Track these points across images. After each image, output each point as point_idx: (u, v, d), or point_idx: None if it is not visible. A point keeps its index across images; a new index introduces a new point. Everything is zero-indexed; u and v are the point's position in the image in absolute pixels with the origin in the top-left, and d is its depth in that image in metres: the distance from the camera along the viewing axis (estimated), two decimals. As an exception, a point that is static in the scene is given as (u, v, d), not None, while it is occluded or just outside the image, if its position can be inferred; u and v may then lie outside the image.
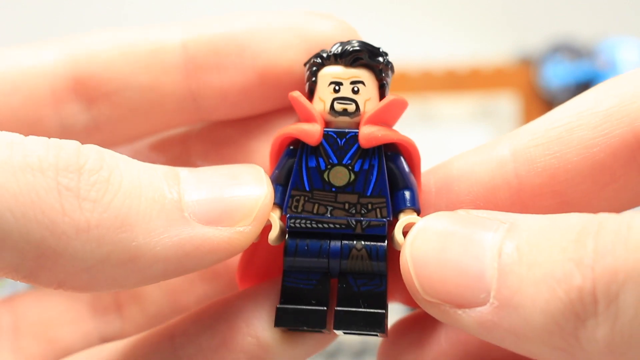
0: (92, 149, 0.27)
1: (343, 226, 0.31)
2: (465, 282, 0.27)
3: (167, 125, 0.37)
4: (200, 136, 0.37)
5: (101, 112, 0.35)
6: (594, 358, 0.25)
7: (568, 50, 0.85)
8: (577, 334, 0.25)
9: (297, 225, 0.31)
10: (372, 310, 0.30)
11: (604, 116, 0.30)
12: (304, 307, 0.30)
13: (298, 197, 0.31)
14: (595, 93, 0.31)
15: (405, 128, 0.32)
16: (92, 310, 0.38)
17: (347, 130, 0.31)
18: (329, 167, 0.31)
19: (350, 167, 0.31)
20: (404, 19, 0.98)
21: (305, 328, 0.30)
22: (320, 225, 0.31)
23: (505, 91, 0.85)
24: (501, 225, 0.27)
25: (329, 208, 0.31)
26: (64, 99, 0.35)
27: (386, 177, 0.31)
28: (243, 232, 0.29)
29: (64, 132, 0.35)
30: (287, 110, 0.35)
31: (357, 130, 0.31)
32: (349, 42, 0.31)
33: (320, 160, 0.31)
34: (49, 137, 0.27)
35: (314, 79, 0.32)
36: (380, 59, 0.31)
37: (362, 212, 0.31)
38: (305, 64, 0.32)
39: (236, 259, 0.33)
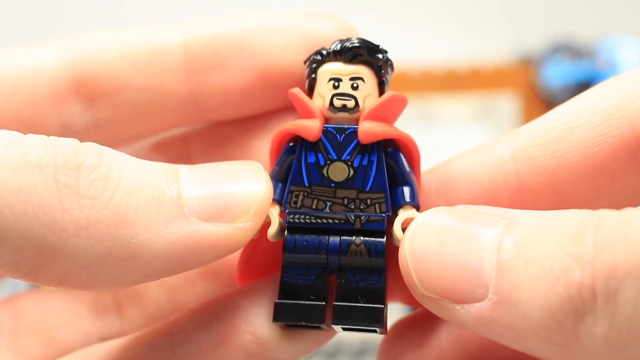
0: (91, 147, 0.27)
1: (342, 221, 0.31)
2: (464, 277, 0.27)
3: (167, 126, 0.37)
4: (201, 136, 0.38)
5: (102, 113, 0.35)
6: (593, 354, 0.25)
7: (568, 50, 0.85)
8: (575, 330, 0.25)
9: (296, 220, 0.31)
10: (370, 305, 0.30)
11: (604, 116, 0.30)
12: (303, 302, 0.30)
13: (297, 193, 0.31)
14: (595, 93, 0.31)
15: (405, 128, 0.32)
16: (92, 310, 0.38)
17: (346, 126, 0.31)
18: (328, 162, 0.31)
19: (349, 163, 0.31)
20: (404, 19, 0.99)
21: (303, 323, 0.30)
22: (319, 221, 0.31)
23: (505, 91, 0.85)
24: (500, 221, 0.27)
25: (328, 203, 0.31)
26: (65, 99, 0.35)
27: (385, 173, 0.31)
28: (243, 228, 0.29)
29: (65, 132, 0.35)
30: (288, 109, 0.35)
31: (356, 126, 0.31)
32: (348, 39, 0.31)
33: (320, 155, 0.31)
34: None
35: (313, 75, 0.32)
36: (380, 55, 0.31)
37: (361, 207, 0.31)
38: (305, 62, 0.32)
39: (236, 258, 0.33)
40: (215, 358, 0.31)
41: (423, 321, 0.34)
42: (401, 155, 0.31)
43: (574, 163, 0.30)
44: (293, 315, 0.30)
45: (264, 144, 0.35)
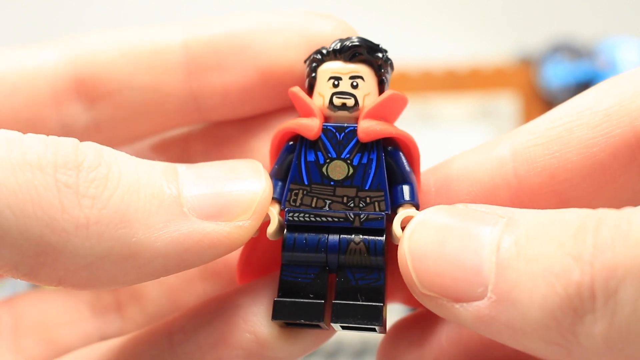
0: (90, 146, 0.27)
1: (341, 219, 0.31)
2: (463, 275, 0.27)
3: (168, 126, 0.37)
4: (201, 136, 0.38)
5: (102, 113, 0.35)
6: (591, 354, 0.25)
7: (568, 50, 0.85)
8: (574, 330, 0.25)
9: (296, 218, 0.31)
10: (370, 304, 0.30)
11: (604, 115, 0.30)
12: (302, 300, 0.31)
13: (297, 191, 0.31)
14: (595, 92, 0.31)
15: (405, 128, 0.32)
16: (92, 310, 0.38)
17: (346, 124, 0.31)
18: (327, 161, 0.31)
19: (348, 161, 0.31)
20: (404, 19, 0.99)
21: (302, 321, 0.30)
22: (318, 219, 0.31)
23: (505, 91, 0.85)
24: (499, 220, 0.27)
25: (328, 202, 0.31)
26: (65, 99, 0.35)
27: (385, 171, 0.31)
28: (242, 226, 0.29)
29: (65, 132, 0.35)
30: (288, 109, 0.35)
31: (355, 125, 0.31)
32: (348, 38, 0.31)
33: (319, 154, 0.31)
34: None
35: (313, 74, 0.32)
36: (379, 54, 0.31)
37: (361, 205, 0.31)
38: (305, 61, 0.32)
39: (235, 257, 0.33)
40: (214, 357, 0.31)
41: (423, 321, 0.34)
42: (401, 154, 0.32)
43: (574, 163, 0.30)
44: (292, 314, 0.30)
45: (264, 144, 0.35)
